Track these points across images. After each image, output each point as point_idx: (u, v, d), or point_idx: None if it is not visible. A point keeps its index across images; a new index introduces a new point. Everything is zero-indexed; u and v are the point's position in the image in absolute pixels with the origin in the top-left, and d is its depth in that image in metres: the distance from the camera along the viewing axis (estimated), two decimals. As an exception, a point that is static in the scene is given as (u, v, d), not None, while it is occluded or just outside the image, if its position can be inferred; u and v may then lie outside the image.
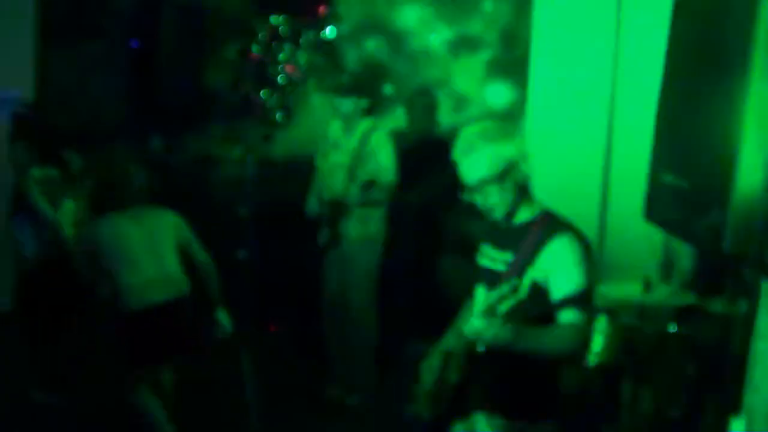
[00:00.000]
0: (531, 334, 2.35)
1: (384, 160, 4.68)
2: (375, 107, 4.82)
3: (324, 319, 4.98)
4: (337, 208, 4.67)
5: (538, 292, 2.47)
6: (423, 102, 5.71)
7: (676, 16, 2.64)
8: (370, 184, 4.49)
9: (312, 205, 4.86)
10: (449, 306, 2.95)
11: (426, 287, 6.01)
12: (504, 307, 2.31)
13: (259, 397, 4.49)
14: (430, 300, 5.85)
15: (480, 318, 2.25)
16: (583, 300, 2.44)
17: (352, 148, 4.70)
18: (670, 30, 2.66)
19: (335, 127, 4.81)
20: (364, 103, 4.69)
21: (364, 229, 4.77)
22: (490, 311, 2.29)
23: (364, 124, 4.73)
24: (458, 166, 2.53)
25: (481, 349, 2.39)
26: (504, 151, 2.49)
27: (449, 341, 2.69)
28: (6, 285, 5.49)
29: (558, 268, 2.44)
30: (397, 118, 5.95)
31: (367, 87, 4.70)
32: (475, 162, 2.48)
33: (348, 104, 4.61)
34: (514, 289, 2.35)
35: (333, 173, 4.76)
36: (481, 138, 2.49)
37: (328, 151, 4.81)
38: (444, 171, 4.02)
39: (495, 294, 2.31)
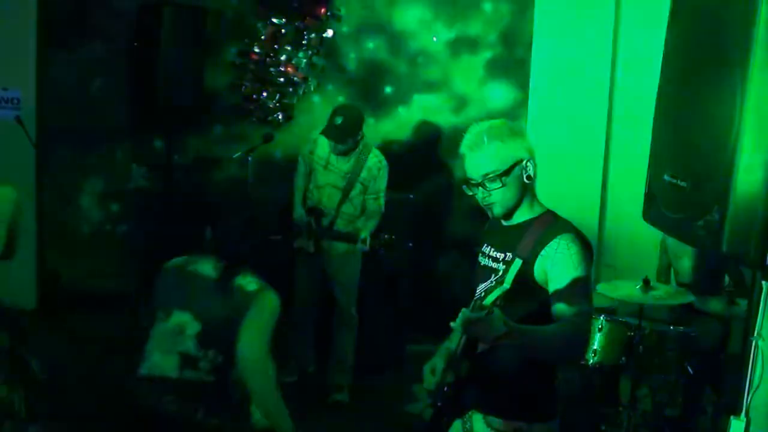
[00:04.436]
0: (525, 331, 2.30)
1: (382, 185, 4.75)
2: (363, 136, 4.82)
3: (305, 324, 5.08)
4: (329, 228, 4.75)
5: (535, 290, 2.47)
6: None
7: (674, 15, 2.64)
8: (389, 243, 4.55)
9: (300, 214, 4.86)
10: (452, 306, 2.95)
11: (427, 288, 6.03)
12: (490, 298, 2.31)
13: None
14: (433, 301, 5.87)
15: (470, 311, 2.23)
16: (577, 294, 2.41)
17: (348, 171, 4.72)
18: (668, 30, 2.66)
19: (325, 147, 4.76)
20: (359, 137, 4.70)
21: (348, 244, 4.80)
22: (479, 307, 2.28)
23: (358, 147, 4.73)
24: (464, 160, 2.54)
25: (463, 335, 2.31)
26: (510, 149, 2.49)
27: (451, 342, 2.70)
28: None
29: (556, 266, 2.44)
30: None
31: (359, 125, 4.67)
32: (480, 157, 2.49)
33: (345, 146, 4.64)
34: (500, 281, 2.34)
35: (325, 192, 4.79)
36: (489, 134, 2.49)
37: (317, 169, 4.79)
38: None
39: (481, 287, 2.30)
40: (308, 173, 4.86)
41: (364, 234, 4.58)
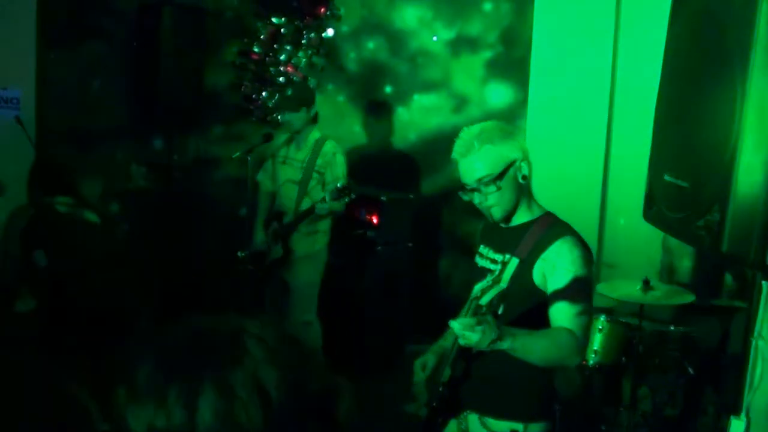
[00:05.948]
0: (520, 335, 2.28)
1: (339, 172, 4.68)
2: (317, 116, 4.89)
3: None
4: (289, 225, 4.72)
5: (532, 292, 2.46)
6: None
7: (674, 15, 2.64)
8: (344, 190, 4.44)
9: (260, 238, 4.86)
10: (452, 306, 2.95)
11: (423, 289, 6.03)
12: (486, 298, 2.30)
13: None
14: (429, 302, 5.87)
15: (467, 316, 2.22)
16: (578, 293, 2.41)
17: (304, 160, 4.73)
18: (669, 30, 2.66)
19: (280, 140, 4.87)
20: (312, 112, 4.77)
21: (310, 246, 4.79)
22: (475, 307, 2.27)
23: (314, 135, 4.78)
24: (457, 166, 2.53)
25: (463, 344, 2.30)
26: (503, 151, 2.48)
27: (446, 341, 2.69)
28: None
29: (558, 269, 2.43)
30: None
31: (310, 96, 4.80)
32: (473, 163, 2.48)
33: (299, 117, 4.68)
34: (497, 280, 2.34)
35: (285, 190, 4.81)
36: (480, 138, 2.48)
37: (277, 169, 4.85)
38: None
39: (478, 287, 2.30)
40: (271, 193, 4.91)
41: (323, 195, 4.51)
